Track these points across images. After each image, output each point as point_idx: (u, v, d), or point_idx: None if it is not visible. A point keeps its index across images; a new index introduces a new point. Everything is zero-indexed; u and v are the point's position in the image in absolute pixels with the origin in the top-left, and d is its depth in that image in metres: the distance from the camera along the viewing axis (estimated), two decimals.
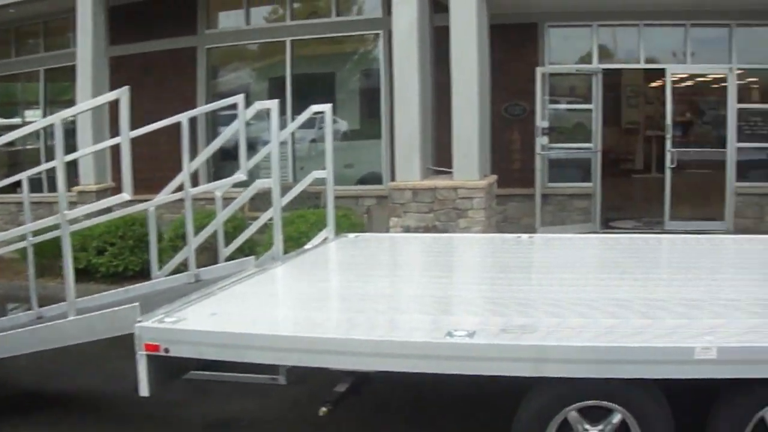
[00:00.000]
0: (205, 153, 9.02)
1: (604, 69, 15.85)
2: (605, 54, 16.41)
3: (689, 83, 17.52)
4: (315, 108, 8.78)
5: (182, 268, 8.01)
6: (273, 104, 8.10)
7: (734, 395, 5.00)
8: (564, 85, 16.63)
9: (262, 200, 8.61)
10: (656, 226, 15.76)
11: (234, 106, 8.03)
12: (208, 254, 8.96)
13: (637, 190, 20.86)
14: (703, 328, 5.07)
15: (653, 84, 19.75)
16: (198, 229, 8.14)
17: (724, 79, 15.84)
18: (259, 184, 8.33)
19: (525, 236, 9.43)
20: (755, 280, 6.90)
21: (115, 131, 7.59)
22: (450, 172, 13.00)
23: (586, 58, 16.11)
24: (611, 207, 16.80)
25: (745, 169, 15.96)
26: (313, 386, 6.20)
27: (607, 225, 16.09)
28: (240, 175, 7.90)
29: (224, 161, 15.20)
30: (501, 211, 15.20)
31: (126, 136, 6.55)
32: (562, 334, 5.02)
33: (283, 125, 9.76)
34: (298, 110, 9.06)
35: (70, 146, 12.19)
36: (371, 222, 14.69)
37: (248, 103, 8.36)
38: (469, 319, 5.54)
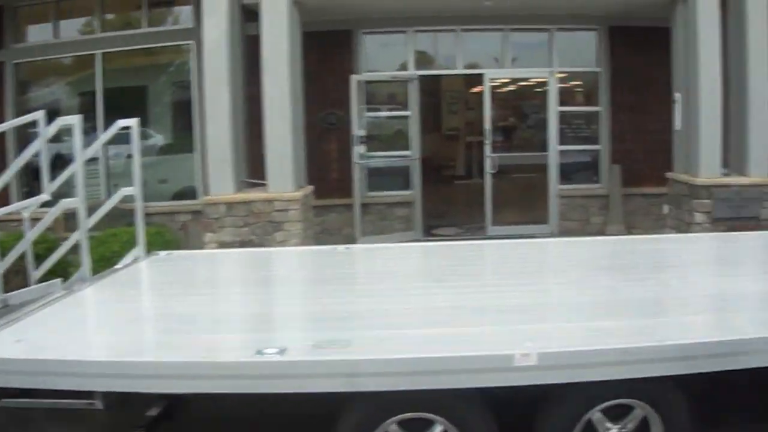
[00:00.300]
0: (7, 173, 9.04)
1: (420, 75, 16.47)
2: (423, 60, 17.07)
3: (512, 88, 18.27)
4: (122, 123, 8.78)
5: None
6: (76, 120, 8.13)
7: (560, 399, 5.31)
8: (382, 92, 17.18)
9: (77, 220, 8.64)
10: (479, 232, 16.43)
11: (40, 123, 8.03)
12: (20, 278, 8.93)
13: (460, 197, 21.33)
14: (523, 334, 5.34)
15: (474, 89, 20.32)
16: (6, 252, 8.13)
17: (545, 83, 16.71)
18: (65, 203, 8.35)
19: (341, 247, 9.69)
20: (576, 283, 7.34)
21: None
22: (265, 185, 13.33)
23: (404, 65, 16.60)
24: (433, 214, 17.44)
25: (568, 172, 16.96)
26: (133, 409, 6.09)
27: (430, 233, 16.68)
28: (43, 196, 7.99)
29: (37, 180, 15.08)
30: (320, 223, 15.60)
31: None
32: (376, 346, 5.17)
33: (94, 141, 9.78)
34: (111, 125, 9.14)
35: None
36: (188, 238, 14.83)
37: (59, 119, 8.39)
38: (282, 336, 5.77)
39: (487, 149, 16.52)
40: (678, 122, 14.53)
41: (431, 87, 21.57)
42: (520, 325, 5.70)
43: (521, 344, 4.99)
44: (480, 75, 16.93)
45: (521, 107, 18.60)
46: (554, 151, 16.59)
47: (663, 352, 5.09)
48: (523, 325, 5.70)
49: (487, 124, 16.54)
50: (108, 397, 5.43)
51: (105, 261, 10.04)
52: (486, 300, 6.62)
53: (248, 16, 13.88)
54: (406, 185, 16.60)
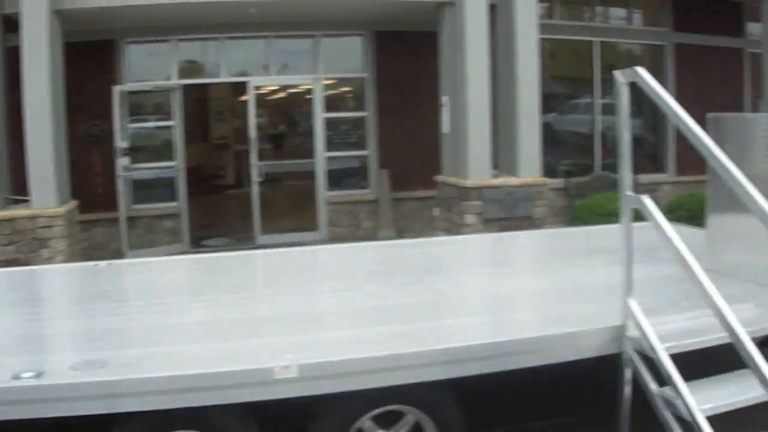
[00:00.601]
0: None
1: (185, 84, 16.92)
2: (189, 69, 17.56)
3: (282, 95, 18.64)
4: None
5: None
6: None
7: (328, 409, 5.49)
8: (148, 103, 17.28)
9: None
10: (248, 242, 17.00)
11: None
12: None
13: (229, 206, 21.75)
14: (284, 345, 5.48)
15: (242, 98, 20.64)
16: None
17: (312, 90, 17.36)
18: None
19: (103, 263, 9.27)
20: (342, 290, 7.57)
21: None
22: (28, 201, 13.38)
23: (170, 74, 16.88)
24: (203, 225, 17.91)
25: (337, 178, 17.82)
26: None
27: (199, 244, 17.15)
28: None
29: None
30: (86, 238, 15.88)
31: None
32: (135, 366, 5.14)
33: None
34: None
35: None
36: None
37: None
38: (40, 358, 5.57)
39: (253, 157, 17.09)
40: (446, 125, 15.41)
41: (198, 96, 21.87)
42: (282, 336, 5.84)
43: (281, 356, 5.16)
44: (245, 83, 17.41)
45: (290, 114, 19.11)
46: (321, 157, 17.45)
47: (429, 357, 5.37)
48: (286, 336, 5.83)
49: (253, 133, 17.15)
50: None
51: None
52: (249, 312, 6.78)
53: (9, 27, 13.92)
54: (173, 197, 16.86)
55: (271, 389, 5.06)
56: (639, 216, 5.72)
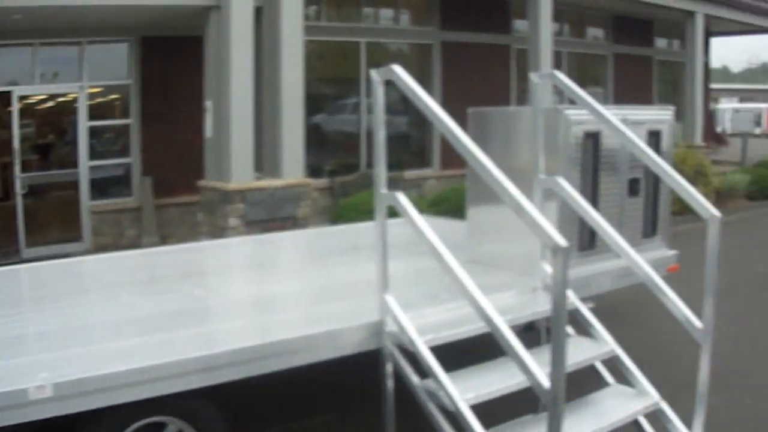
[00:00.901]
0: None
1: None
2: None
3: (49, 104, 18.31)
4: None
5: None
6: None
7: (87, 426, 5.22)
8: None
9: None
10: (14, 256, 16.58)
11: None
12: None
13: None
14: (39, 364, 5.20)
15: (9, 108, 20.04)
16: None
17: (77, 99, 17.32)
18: None
19: None
20: (99, 302, 7.35)
21: None
22: None
23: None
24: None
25: (102, 187, 17.86)
26: None
27: None
28: None
29: None
30: None
31: None
32: None
33: None
34: None
35: None
36: None
37: None
38: None
39: (17, 169, 16.94)
40: (209, 130, 15.43)
41: None
42: (39, 354, 5.59)
43: (36, 376, 4.85)
44: (9, 93, 17.07)
45: (58, 124, 18.77)
46: (85, 167, 17.55)
47: (184, 366, 5.28)
48: (41, 354, 5.57)
49: (16, 144, 16.96)
50: None
51: None
52: (6, 331, 6.23)
53: None
54: None
55: (27, 411, 4.75)
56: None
